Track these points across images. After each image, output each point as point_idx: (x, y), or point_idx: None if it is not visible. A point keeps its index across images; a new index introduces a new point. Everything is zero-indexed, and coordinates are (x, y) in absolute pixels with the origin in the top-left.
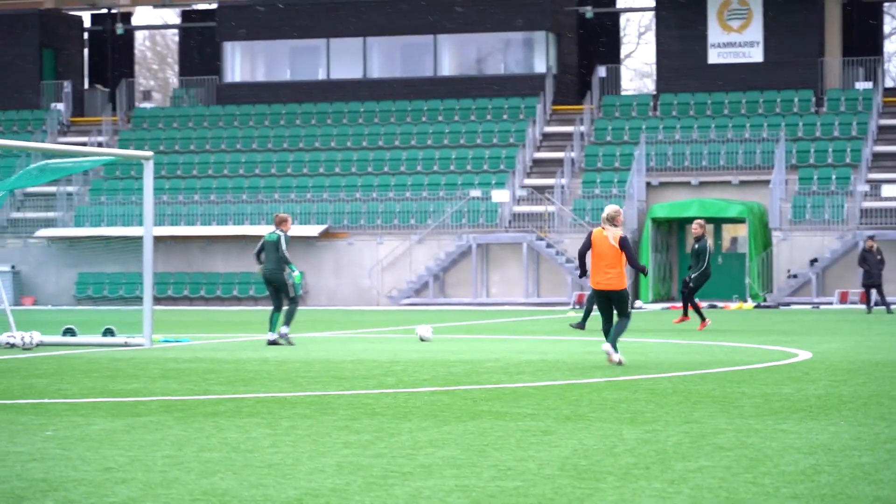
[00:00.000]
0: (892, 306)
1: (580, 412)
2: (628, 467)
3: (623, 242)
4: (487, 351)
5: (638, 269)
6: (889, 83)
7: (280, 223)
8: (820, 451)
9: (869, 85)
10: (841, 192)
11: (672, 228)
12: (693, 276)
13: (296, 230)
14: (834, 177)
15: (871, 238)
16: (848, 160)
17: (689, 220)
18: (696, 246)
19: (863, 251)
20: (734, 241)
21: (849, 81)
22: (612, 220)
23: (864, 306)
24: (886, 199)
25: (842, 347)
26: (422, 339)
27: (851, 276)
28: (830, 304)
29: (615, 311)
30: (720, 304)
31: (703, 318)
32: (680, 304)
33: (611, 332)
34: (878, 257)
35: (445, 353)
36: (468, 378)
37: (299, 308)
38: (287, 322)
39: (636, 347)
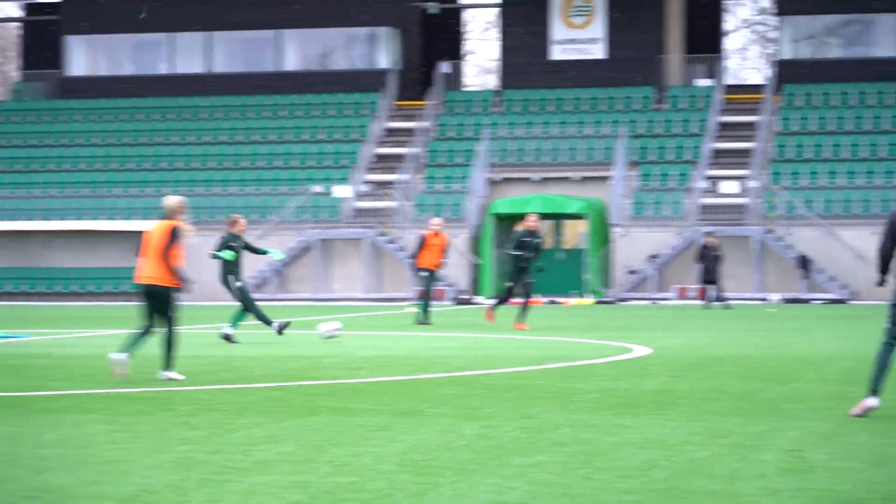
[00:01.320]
0: (730, 302)
1: (418, 408)
2: (465, 462)
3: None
4: (326, 346)
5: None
6: (729, 80)
7: (230, 225)
8: (655, 446)
9: (710, 82)
10: (680, 189)
11: (513, 224)
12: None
13: (136, 225)
14: (674, 173)
15: (710, 234)
16: (688, 157)
17: None
18: (536, 240)
19: (701, 247)
20: (575, 237)
21: (690, 78)
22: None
23: (701, 302)
24: (725, 195)
25: (679, 343)
26: (326, 337)
27: (690, 272)
28: (669, 299)
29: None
30: (560, 300)
31: (492, 310)
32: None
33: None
34: (717, 253)
35: (284, 349)
36: (306, 374)
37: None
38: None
39: (474, 343)
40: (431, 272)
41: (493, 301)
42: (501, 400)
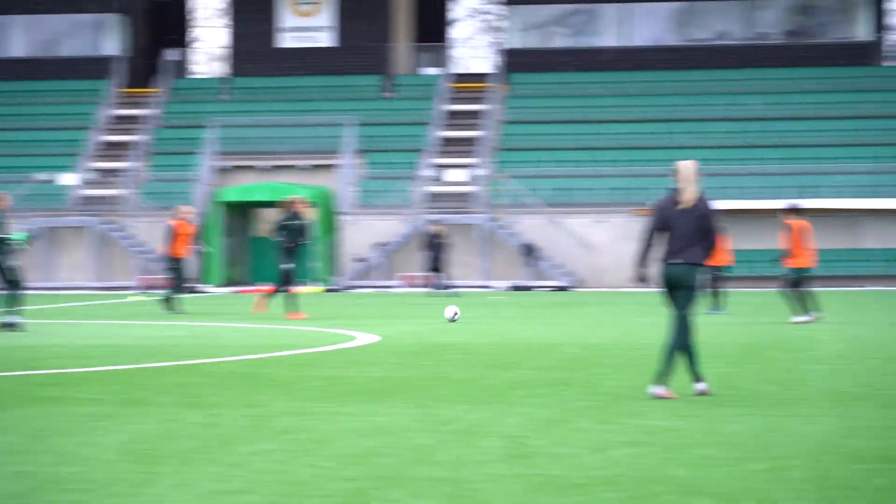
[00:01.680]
0: (455, 289)
1: (142, 396)
2: (189, 451)
3: None
4: (53, 335)
5: None
6: (456, 69)
7: None
8: (380, 434)
9: (437, 71)
10: (407, 177)
11: (241, 212)
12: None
13: None
14: (401, 161)
15: (436, 222)
16: (415, 145)
17: (259, 204)
18: (298, 223)
19: (428, 235)
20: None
21: (417, 67)
22: None
23: (428, 289)
24: (451, 183)
25: (405, 331)
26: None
27: (417, 260)
28: (396, 287)
29: None
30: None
31: (262, 299)
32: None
33: None
34: (443, 241)
35: (7, 339)
36: (30, 363)
37: None
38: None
39: (203, 332)
40: (180, 260)
41: (267, 288)
42: (227, 388)
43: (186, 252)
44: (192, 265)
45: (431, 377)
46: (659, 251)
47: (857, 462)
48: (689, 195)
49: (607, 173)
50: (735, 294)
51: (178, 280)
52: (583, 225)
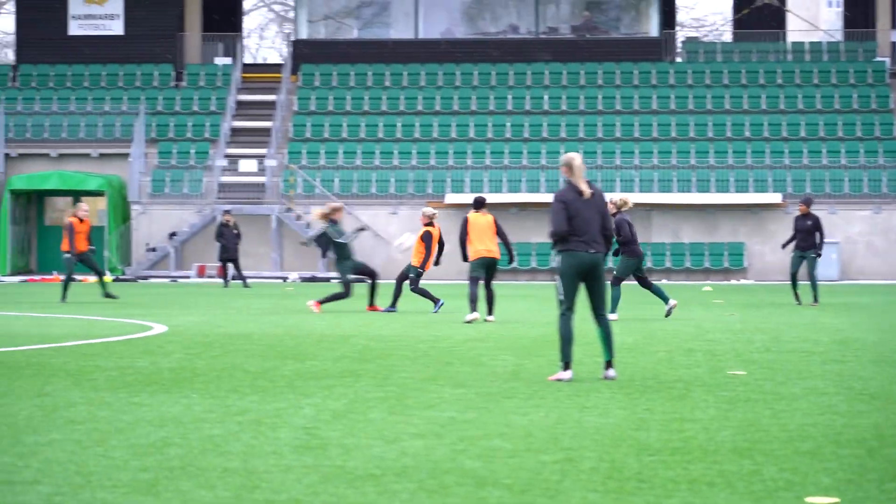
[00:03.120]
0: (249, 280)
1: None
2: None
3: None
4: None
5: None
6: (247, 59)
7: None
8: (171, 424)
9: (228, 60)
10: (200, 167)
11: (31, 201)
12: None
13: None
14: (193, 151)
15: (228, 212)
16: (207, 135)
17: (49, 193)
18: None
19: (220, 225)
20: (94, 214)
21: (209, 57)
22: None
23: (221, 280)
24: (244, 173)
25: (198, 321)
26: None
27: (210, 250)
28: (188, 277)
29: None
30: (79, 278)
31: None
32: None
33: None
34: (235, 231)
35: None
36: None
37: None
38: None
39: None
40: (82, 255)
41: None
42: (16, 378)
43: (84, 249)
44: None
45: (224, 367)
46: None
47: (647, 454)
48: (585, 185)
49: (398, 165)
50: (515, 287)
51: (68, 276)
52: (376, 216)
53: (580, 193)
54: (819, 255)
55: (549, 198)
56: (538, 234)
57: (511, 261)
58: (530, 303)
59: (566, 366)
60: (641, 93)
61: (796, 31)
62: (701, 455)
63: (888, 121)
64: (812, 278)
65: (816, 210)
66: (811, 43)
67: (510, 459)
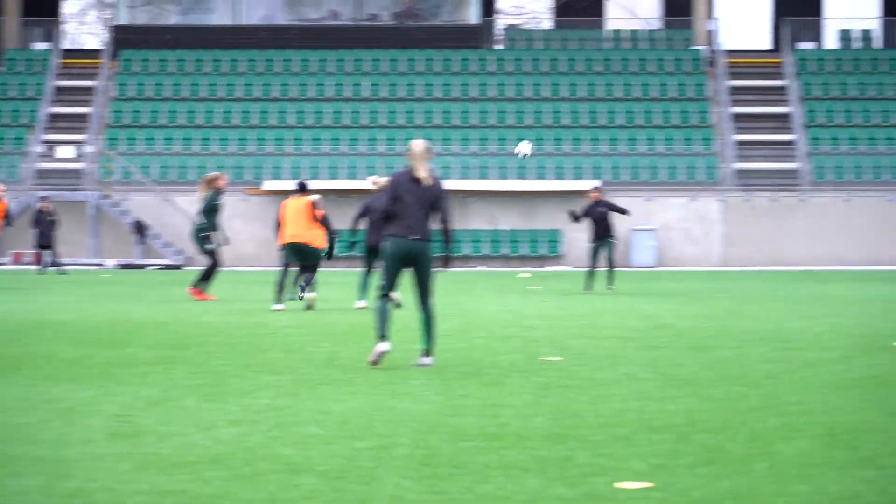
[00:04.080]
0: (65, 267)
1: None
2: None
3: None
4: None
5: None
6: (67, 44)
7: None
8: None
9: (47, 45)
10: (17, 153)
11: None
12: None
13: None
14: (10, 137)
15: (45, 199)
16: (25, 121)
17: None
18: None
19: (37, 212)
20: None
21: (28, 41)
22: None
23: (37, 267)
24: (61, 160)
25: (12, 308)
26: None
27: (26, 237)
28: (4, 264)
29: None
30: None
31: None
32: None
33: None
34: (52, 218)
35: None
36: None
37: None
38: None
39: None
40: None
41: None
42: None
43: None
44: None
45: (37, 355)
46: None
47: (462, 440)
48: (424, 172)
49: (218, 152)
50: (332, 274)
51: None
52: (194, 203)
53: (415, 180)
54: (615, 239)
55: (367, 184)
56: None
57: (331, 252)
58: (347, 290)
59: (383, 338)
60: (462, 80)
61: (615, 19)
62: (515, 441)
63: (704, 109)
64: (611, 263)
65: (635, 197)
66: (630, 31)
67: (325, 446)
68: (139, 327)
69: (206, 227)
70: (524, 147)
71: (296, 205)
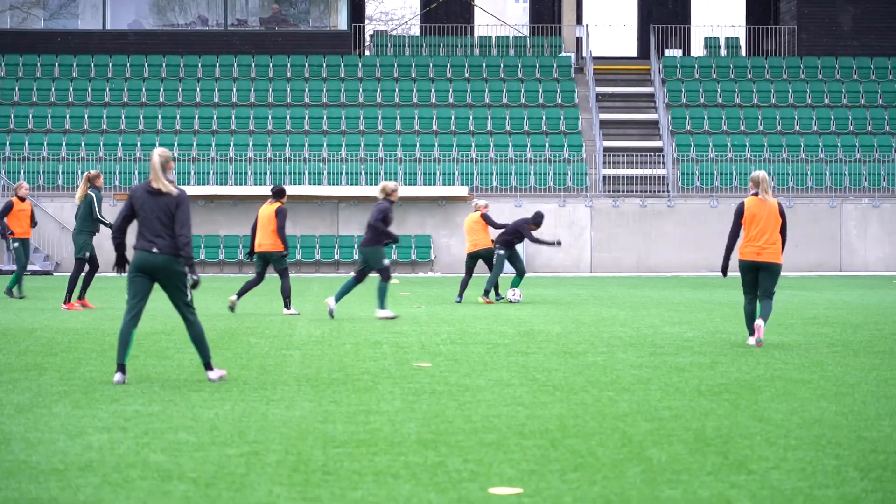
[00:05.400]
0: None
1: None
2: None
3: None
4: None
5: None
6: None
7: None
8: None
9: None
10: None
11: None
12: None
13: None
14: None
15: None
16: None
17: None
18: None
19: None
20: None
21: None
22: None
23: None
24: None
25: None
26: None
27: None
28: None
29: None
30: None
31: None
32: None
33: None
34: None
35: None
36: None
37: None
38: None
39: None
40: (23, 241)
41: None
42: None
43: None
44: None
45: None
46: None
47: (333, 446)
48: (162, 184)
49: (85, 157)
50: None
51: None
52: (62, 209)
53: (153, 192)
54: (502, 250)
55: (237, 190)
56: (226, 226)
57: (284, 253)
58: (216, 295)
59: (120, 367)
60: (330, 86)
61: (484, 25)
62: (386, 447)
63: (573, 115)
64: (494, 273)
65: (505, 203)
66: (498, 38)
67: (195, 453)
68: (6, 334)
69: (88, 228)
70: None
71: (265, 212)
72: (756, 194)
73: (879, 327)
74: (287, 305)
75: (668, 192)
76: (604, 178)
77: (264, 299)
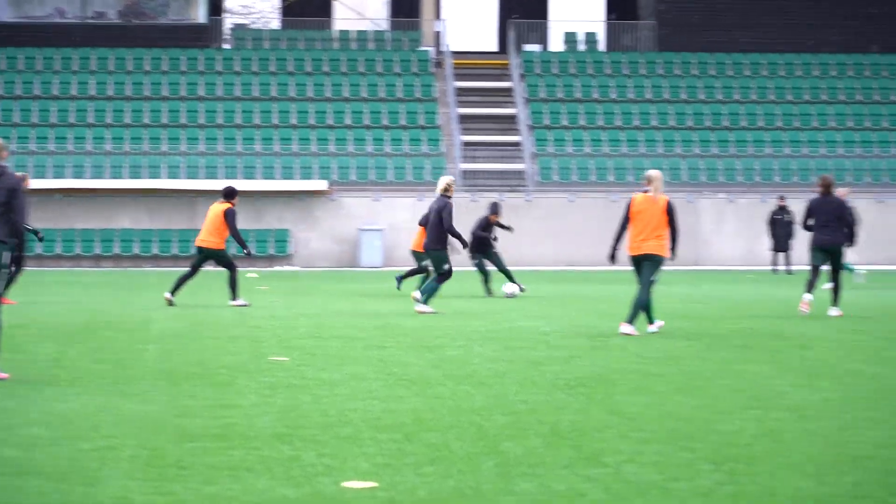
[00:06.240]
0: None
1: None
2: None
3: None
4: None
5: None
6: None
7: None
8: None
9: None
10: None
11: None
12: None
13: None
14: None
15: None
16: None
17: None
18: None
19: None
20: None
21: None
22: None
23: None
24: None
25: None
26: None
27: None
28: None
29: None
30: None
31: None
32: None
33: None
34: None
35: None
36: None
37: None
38: None
39: None
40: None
41: None
42: None
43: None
44: None
45: None
46: None
47: (189, 440)
48: None
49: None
50: (58, 273)
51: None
52: None
53: None
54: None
55: (94, 183)
56: (82, 220)
57: (244, 249)
58: (76, 289)
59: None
60: (189, 79)
61: (344, 19)
62: (242, 441)
63: (432, 110)
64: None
65: (363, 197)
66: (358, 31)
67: (49, 448)
68: None
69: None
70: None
71: (214, 210)
72: (647, 191)
73: (734, 321)
74: (233, 297)
75: (526, 186)
76: (462, 172)
77: (125, 293)
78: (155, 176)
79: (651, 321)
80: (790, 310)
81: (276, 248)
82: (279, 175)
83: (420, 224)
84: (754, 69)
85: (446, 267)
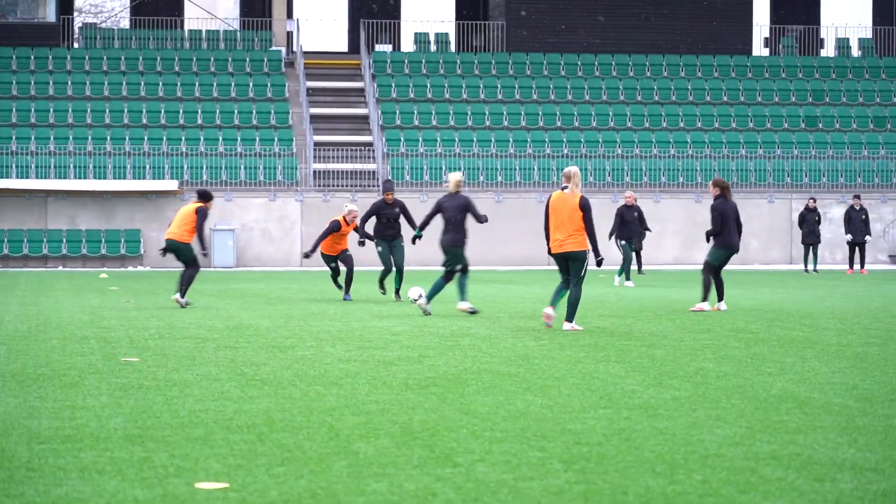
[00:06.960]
0: None
1: None
2: None
3: None
4: None
5: None
6: None
7: None
8: None
9: None
10: None
11: None
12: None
13: None
14: None
15: None
16: None
17: None
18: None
19: None
20: None
21: None
22: None
23: None
24: None
25: None
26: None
27: None
28: None
29: None
30: None
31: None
32: None
33: None
34: None
35: None
36: None
37: None
38: None
39: None
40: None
41: None
42: None
43: None
44: None
45: None
46: None
47: (37, 442)
48: None
49: None
50: None
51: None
52: None
53: None
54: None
55: (15, 184)
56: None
57: (204, 250)
58: None
59: None
60: (38, 78)
61: (194, 18)
62: (92, 442)
63: (283, 109)
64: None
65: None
66: (209, 31)
67: None
68: None
69: None
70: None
71: (186, 208)
72: (565, 188)
73: (585, 320)
74: (180, 292)
75: (378, 186)
76: (314, 172)
77: None
78: (5, 176)
79: (555, 305)
80: (641, 310)
81: (127, 249)
82: (130, 175)
83: (421, 224)
84: (603, 69)
85: (466, 261)
